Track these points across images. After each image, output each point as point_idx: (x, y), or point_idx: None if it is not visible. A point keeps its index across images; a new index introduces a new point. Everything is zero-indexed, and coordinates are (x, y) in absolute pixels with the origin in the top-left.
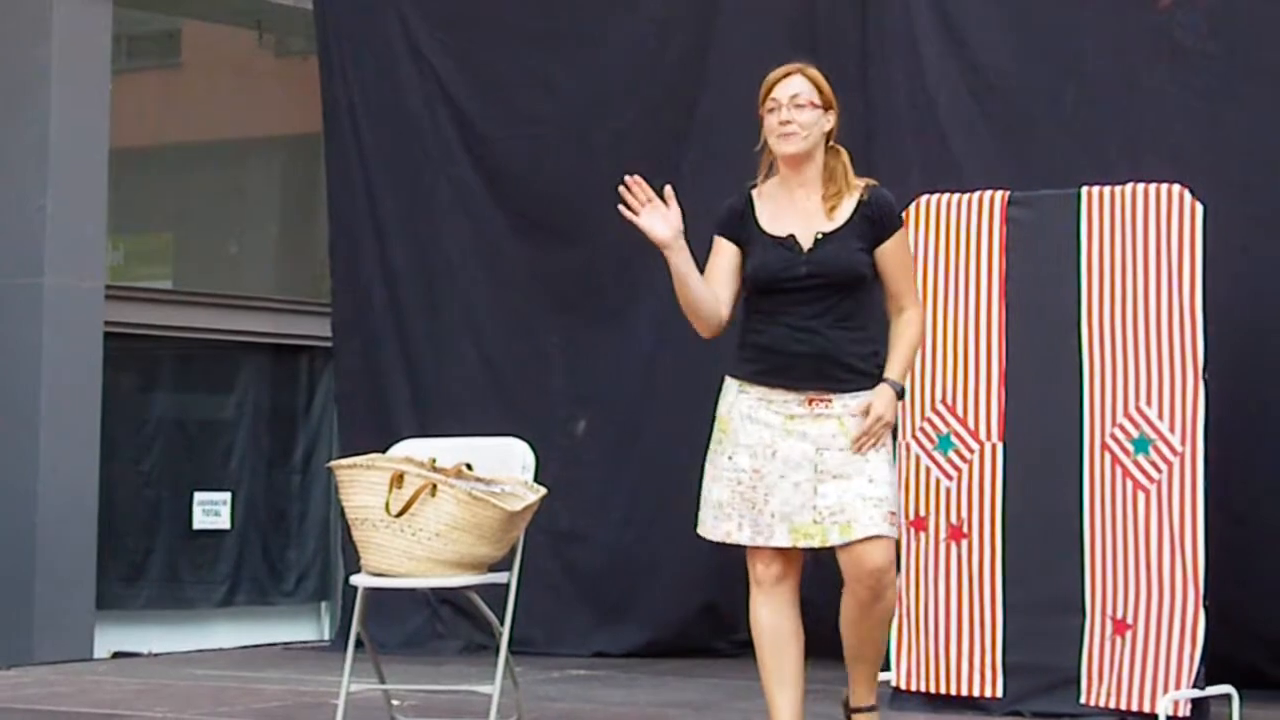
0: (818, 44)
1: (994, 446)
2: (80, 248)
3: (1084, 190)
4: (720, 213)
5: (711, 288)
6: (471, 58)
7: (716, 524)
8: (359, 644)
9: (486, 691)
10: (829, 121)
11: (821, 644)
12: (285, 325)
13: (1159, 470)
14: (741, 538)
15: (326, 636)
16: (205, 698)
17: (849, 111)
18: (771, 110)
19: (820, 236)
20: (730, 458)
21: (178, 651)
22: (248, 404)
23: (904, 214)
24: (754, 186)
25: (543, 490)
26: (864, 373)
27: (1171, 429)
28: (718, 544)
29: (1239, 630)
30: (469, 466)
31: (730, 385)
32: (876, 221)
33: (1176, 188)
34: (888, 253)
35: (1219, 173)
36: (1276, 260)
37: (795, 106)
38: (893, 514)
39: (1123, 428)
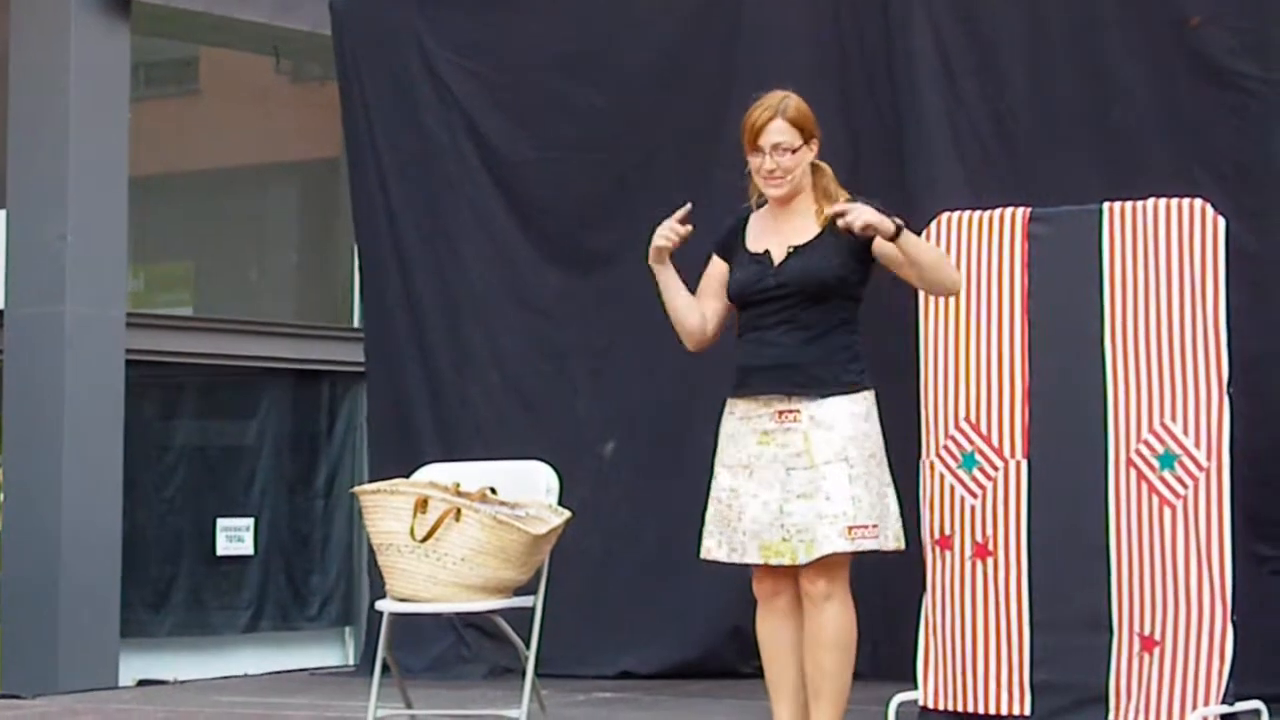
0: (848, 63)
1: (1019, 464)
2: (101, 276)
3: (1105, 206)
4: (719, 232)
5: (700, 302)
6: (492, 81)
7: (704, 541)
8: (385, 669)
9: (513, 715)
10: (811, 151)
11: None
12: (306, 350)
13: (1185, 486)
14: (720, 555)
15: (351, 661)
16: None
17: (881, 127)
18: (755, 154)
19: (792, 250)
20: (716, 477)
21: (203, 678)
22: (269, 429)
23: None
24: (750, 208)
25: (567, 513)
26: (826, 380)
27: (1197, 444)
28: (740, 566)
29: None
30: (493, 490)
31: (727, 405)
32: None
33: (1199, 202)
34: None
35: (1264, 191)
36: None
37: (778, 153)
38: (856, 527)
39: (1147, 443)
